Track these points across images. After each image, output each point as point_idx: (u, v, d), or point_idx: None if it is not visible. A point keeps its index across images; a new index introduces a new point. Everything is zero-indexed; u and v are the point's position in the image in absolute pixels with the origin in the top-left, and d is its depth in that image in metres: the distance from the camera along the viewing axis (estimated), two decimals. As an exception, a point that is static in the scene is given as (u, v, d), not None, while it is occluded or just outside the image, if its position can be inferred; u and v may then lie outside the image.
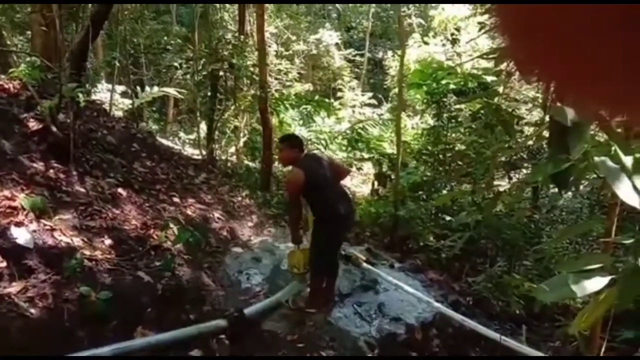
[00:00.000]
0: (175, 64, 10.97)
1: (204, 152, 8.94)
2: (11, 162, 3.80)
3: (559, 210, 6.94)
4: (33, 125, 4.28)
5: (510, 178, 7.37)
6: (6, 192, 3.38)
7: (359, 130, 9.27)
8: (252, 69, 8.52)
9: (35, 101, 4.35)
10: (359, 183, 11.28)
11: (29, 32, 8.06)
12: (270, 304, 3.97)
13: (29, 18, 6.68)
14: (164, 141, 9.19)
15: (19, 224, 3.21)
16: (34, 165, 3.96)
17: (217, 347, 3.42)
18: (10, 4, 6.50)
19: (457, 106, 7.59)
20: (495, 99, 2.62)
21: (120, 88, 10.14)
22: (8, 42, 6.91)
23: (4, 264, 2.95)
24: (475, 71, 8.04)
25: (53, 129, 4.09)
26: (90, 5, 5.86)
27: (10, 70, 5.03)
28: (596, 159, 1.19)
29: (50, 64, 4.41)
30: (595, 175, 1.85)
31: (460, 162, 7.66)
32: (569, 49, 0.24)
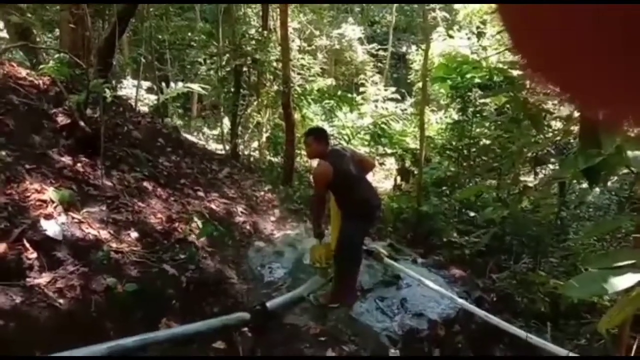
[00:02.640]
0: (199, 59, 11.08)
1: (227, 147, 9.02)
2: (41, 156, 3.89)
3: (586, 207, 6.78)
4: (62, 120, 4.38)
5: (536, 174, 7.24)
6: (36, 185, 3.46)
7: (382, 125, 9.22)
8: (275, 64, 8.55)
9: (63, 96, 4.45)
10: (381, 178, 11.23)
11: (57, 30, 8.24)
12: (293, 298, 3.98)
13: (59, 16, 6.82)
14: (188, 136, 9.30)
15: (48, 217, 3.29)
16: (63, 159, 4.05)
17: (240, 340, 3.45)
18: (39, 3, 6.63)
19: (482, 100, 7.47)
20: (523, 93, 2.57)
21: (145, 84, 10.28)
22: (38, 40, 7.06)
23: (34, 255, 3.02)
24: (501, 65, 7.89)
25: (81, 123, 4.18)
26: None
27: (40, 66, 5.15)
28: (629, 153, 1.16)
29: (78, 60, 4.50)
30: (626, 171, 1.80)
31: (485, 157, 7.55)
32: (570, 49, 0.24)
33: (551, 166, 7.25)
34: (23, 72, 4.94)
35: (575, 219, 6.31)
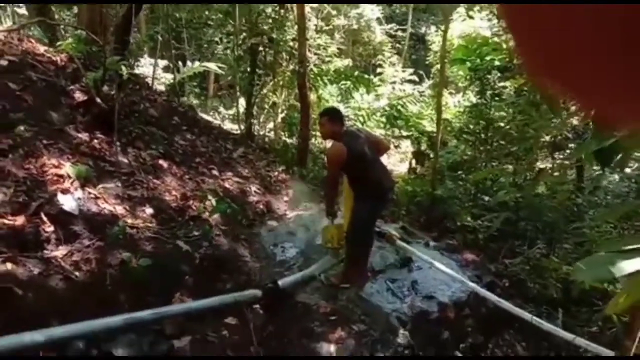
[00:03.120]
0: (216, 38, 11.04)
1: (242, 127, 9.04)
2: (58, 132, 3.94)
3: (604, 194, 6.67)
4: (78, 96, 4.42)
5: (554, 159, 7.13)
6: (53, 161, 3.52)
7: (399, 107, 9.12)
8: (291, 43, 8.48)
9: (80, 73, 4.48)
10: (396, 161, 11.17)
11: (75, 8, 8.27)
12: (304, 277, 4.02)
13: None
14: (204, 116, 9.33)
15: (65, 191, 3.34)
16: (79, 135, 4.11)
17: (251, 316, 3.51)
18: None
19: (501, 83, 7.35)
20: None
21: (162, 63, 10.31)
22: (56, 17, 7.10)
23: (52, 228, 3.09)
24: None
25: (97, 100, 4.21)
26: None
27: (58, 43, 5.18)
28: (644, 135, 1.13)
29: (95, 37, 4.52)
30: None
31: (502, 141, 7.45)
32: (571, 49, 0.23)
33: (569, 151, 7.15)
34: (41, 49, 4.98)
35: (592, 205, 6.22)
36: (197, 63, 9.60)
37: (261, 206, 5.25)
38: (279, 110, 9.76)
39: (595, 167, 6.24)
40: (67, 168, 3.50)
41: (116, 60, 4.23)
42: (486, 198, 6.63)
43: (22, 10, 7.97)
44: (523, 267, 5.05)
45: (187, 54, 12.53)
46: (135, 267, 3.22)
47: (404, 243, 4.72)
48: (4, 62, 4.15)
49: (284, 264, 4.44)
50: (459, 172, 7.85)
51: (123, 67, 4.23)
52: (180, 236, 3.77)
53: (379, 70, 14.54)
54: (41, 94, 4.19)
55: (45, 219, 3.07)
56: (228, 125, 10.36)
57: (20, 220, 2.96)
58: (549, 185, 6.19)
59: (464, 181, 7.44)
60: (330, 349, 3.33)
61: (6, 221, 2.91)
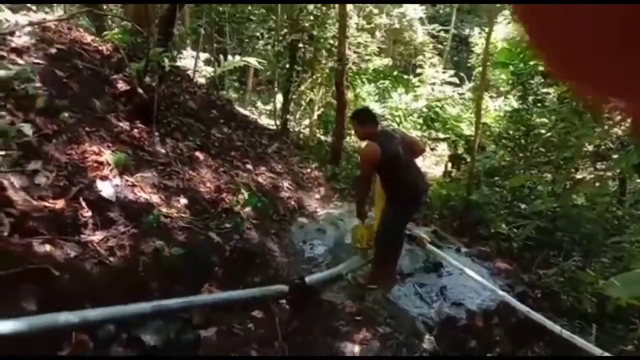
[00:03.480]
0: (257, 34, 11.14)
1: (278, 123, 9.10)
2: (100, 120, 4.06)
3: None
4: (121, 86, 4.55)
5: (596, 169, 6.88)
6: (94, 148, 3.63)
7: (437, 109, 8.99)
8: (331, 41, 8.47)
9: (124, 63, 4.61)
10: (431, 164, 11.02)
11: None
12: (331, 275, 4.02)
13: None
14: (242, 110, 9.44)
15: (103, 178, 3.44)
16: (120, 124, 4.22)
17: (277, 311, 3.53)
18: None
19: (544, 89, 7.14)
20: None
21: (203, 56, 10.47)
22: (104, 7, 7.32)
23: (89, 213, 3.18)
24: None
25: (139, 90, 4.32)
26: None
27: (105, 33, 5.34)
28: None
29: (140, 28, 4.63)
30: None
31: (542, 149, 7.24)
32: (585, 46, 0.24)
33: (611, 162, 6.88)
34: (88, 38, 5.13)
35: (634, 219, 5.98)
36: (237, 57, 9.71)
37: (292, 202, 5.28)
38: (315, 108, 9.78)
39: (639, 180, 6.00)
40: (107, 155, 3.61)
41: (159, 52, 4.32)
42: (522, 206, 6.46)
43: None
44: (557, 279, 4.90)
45: (229, 48, 12.68)
46: (167, 255, 3.29)
47: (435, 247, 4.65)
48: (53, 50, 4.30)
49: (312, 261, 4.45)
50: (496, 178, 7.67)
51: (165, 59, 4.32)
52: (212, 228, 3.83)
53: (418, 70, 14.36)
54: (86, 82, 4.32)
55: (83, 204, 3.17)
56: (264, 121, 10.45)
57: (60, 204, 3.06)
58: (588, 195, 5.98)
59: (501, 187, 7.27)
60: (355, 349, 3.32)
61: (47, 204, 3.02)
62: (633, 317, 4.10)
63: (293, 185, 5.70)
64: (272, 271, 3.98)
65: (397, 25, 17.82)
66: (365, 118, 3.91)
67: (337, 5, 8.02)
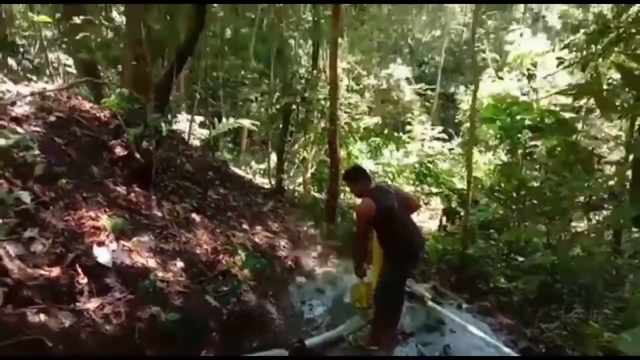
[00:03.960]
0: (251, 97, 11.46)
1: (272, 182, 9.19)
2: (97, 185, 4.09)
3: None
4: (119, 151, 4.61)
5: (589, 220, 6.92)
6: (91, 213, 3.63)
7: (428, 164, 9.14)
8: (323, 102, 8.73)
9: (122, 129, 4.70)
10: (426, 218, 11.04)
11: (118, 67, 8.78)
12: (332, 337, 3.93)
13: (121, 54, 7.28)
14: (237, 170, 9.54)
15: (100, 244, 3.42)
16: (117, 188, 4.25)
17: (277, 377, 3.43)
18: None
19: (533, 142, 7.31)
20: (574, 136, 2.50)
21: (198, 119, 10.70)
22: (102, 75, 7.55)
23: (85, 280, 3.13)
24: (552, 107, 7.73)
25: (137, 155, 4.38)
26: (178, 37, 6.30)
27: (103, 100, 5.48)
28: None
29: (138, 95, 4.77)
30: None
31: (535, 201, 7.32)
32: None
33: (605, 212, 6.94)
34: (87, 105, 5.26)
35: (632, 269, 5.95)
36: (231, 120, 9.94)
37: (290, 261, 5.24)
38: (309, 166, 9.91)
39: (634, 229, 6.03)
40: (104, 220, 3.60)
41: (157, 117, 4.42)
42: (520, 259, 6.44)
43: (71, 69, 8.53)
44: (560, 333, 4.80)
45: (223, 111, 13.00)
46: (163, 321, 3.21)
47: (436, 304, 4.59)
48: (52, 118, 4.39)
49: (311, 322, 4.36)
50: (491, 231, 7.69)
51: (162, 124, 4.41)
52: (210, 291, 3.77)
53: (408, 127, 14.73)
54: (84, 148, 4.39)
55: (80, 270, 3.13)
56: (259, 180, 10.54)
57: (55, 271, 3.02)
58: (584, 247, 5.99)
59: (496, 241, 7.27)
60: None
61: (43, 272, 2.98)
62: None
63: (289, 244, 5.68)
64: (270, 335, 3.88)
65: (384, 86, 18.45)
66: (357, 176, 3.96)
67: (328, 69, 8.32)
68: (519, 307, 5.50)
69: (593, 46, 6.28)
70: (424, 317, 4.46)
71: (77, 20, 6.01)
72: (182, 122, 10.34)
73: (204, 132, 10.50)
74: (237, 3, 10.92)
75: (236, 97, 13.96)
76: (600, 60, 6.11)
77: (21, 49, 8.94)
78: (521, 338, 4.66)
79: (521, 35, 15.40)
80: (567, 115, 6.50)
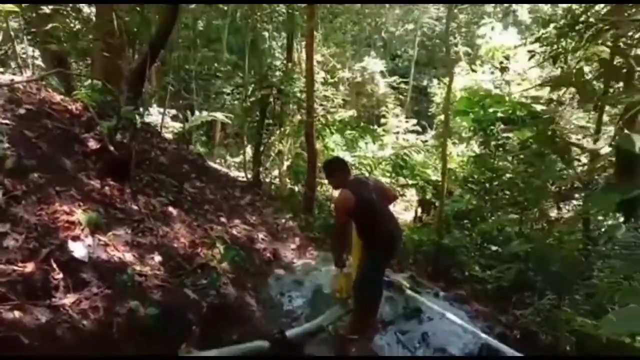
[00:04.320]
0: (225, 90, 11.33)
1: (248, 175, 9.14)
2: (71, 179, 3.99)
3: (611, 244, 6.61)
4: (92, 144, 4.51)
5: (559, 209, 7.12)
6: (65, 207, 3.54)
7: (404, 156, 9.23)
8: (298, 94, 8.71)
9: (94, 122, 4.59)
10: (401, 209, 11.17)
11: (89, 59, 8.56)
12: (312, 328, 3.94)
13: (91, 45, 7.10)
14: (211, 163, 9.44)
15: (75, 238, 3.35)
16: (91, 182, 4.15)
17: (258, 368, 3.43)
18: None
19: (505, 134, 7.46)
20: (550, 127, 2.56)
21: (170, 112, 10.53)
22: (72, 67, 7.35)
23: (61, 275, 3.06)
24: (524, 99, 7.89)
25: (110, 148, 4.29)
26: (149, 30, 6.18)
27: (74, 92, 5.34)
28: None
29: (111, 87, 4.66)
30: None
31: (508, 191, 7.48)
32: None
33: (575, 202, 7.14)
34: (57, 98, 5.11)
35: (601, 256, 6.15)
36: (205, 112, 9.82)
37: (268, 254, 5.22)
38: (285, 159, 9.89)
39: (600, 217, 6.23)
40: (79, 215, 3.52)
41: (130, 109, 4.34)
42: (493, 247, 6.59)
43: (38, 61, 8.27)
44: (534, 319, 4.94)
45: (195, 104, 12.82)
46: (142, 315, 3.17)
47: (414, 293, 4.65)
48: (22, 111, 4.26)
49: (291, 313, 4.36)
50: (465, 221, 7.83)
51: (136, 117, 4.33)
52: (188, 284, 3.73)
53: (382, 120, 14.84)
54: (56, 141, 4.27)
55: (55, 266, 3.06)
56: (234, 173, 10.46)
57: (30, 267, 2.94)
58: (556, 235, 6.16)
59: (470, 230, 7.41)
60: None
61: (16, 268, 2.90)
62: (615, 354, 4.13)
63: (268, 236, 5.66)
64: (251, 327, 3.87)
65: (359, 79, 18.51)
66: (336, 167, 3.98)
67: (302, 62, 8.30)
68: (493, 294, 5.63)
69: (563, 40, 6.43)
70: (402, 306, 4.52)
71: (45, 9, 5.81)
72: (154, 115, 10.17)
73: (176, 126, 10.34)
74: (221, 3, 10.79)
75: (209, 90, 13.79)
76: (571, 53, 6.26)
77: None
78: (496, 324, 4.78)
79: (492, 29, 15.65)
80: (539, 107, 6.65)
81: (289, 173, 9.75)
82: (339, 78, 15.27)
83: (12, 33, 6.10)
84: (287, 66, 8.97)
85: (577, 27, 5.72)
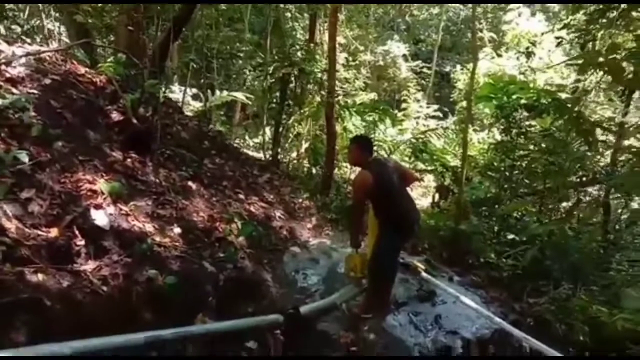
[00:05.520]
0: (246, 69, 11.31)
1: (266, 156, 9.17)
2: (94, 150, 4.07)
3: (631, 236, 6.51)
4: (115, 116, 4.57)
5: (579, 200, 7.01)
6: (88, 177, 3.61)
7: (424, 140, 9.14)
8: (319, 75, 8.67)
9: (118, 95, 4.65)
10: (418, 195, 11.11)
11: (112, 36, 8.62)
12: (325, 305, 3.98)
13: (116, 21, 7.15)
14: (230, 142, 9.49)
15: (97, 207, 3.41)
16: (114, 154, 4.22)
17: (272, 342, 3.48)
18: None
19: (527, 122, 7.33)
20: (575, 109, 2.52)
21: (190, 91, 10.58)
22: (99, 40, 7.42)
23: (83, 242, 3.13)
24: (548, 87, 7.73)
25: (133, 121, 4.35)
26: (174, 6, 6.18)
27: (98, 65, 5.39)
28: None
29: (136, 60, 4.70)
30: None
31: (527, 180, 7.38)
32: None
33: (595, 192, 7.03)
34: (82, 70, 5.18)
35: (618, 248, 6.07)
36: (225, 92, 9.84)
37: (285, 232, 5.27)
38: (303, 140, 9.89)
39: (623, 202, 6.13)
40: (101, 184, 3.59)
41: (154, 83, 4.37)
42: (510, 235, 6.52)
43: (63, 37, 8.36)
44: (548, 307, 4.91)
45: (216, 83, 12.85)
46: (160, 284, 3.24)
47: (429, 276, 4.66)
48: (48, 81, 4.33)
49: (305, 290, 4.41)
50: (483, 209, 7.76)
51: (160, 90, 4.37)
52: (206, 257, 3.79)
53: (403, 105, 14.70)
54: (80, 112, 4.34)
55: (77, 232, 3.13)
56: (252, 153, 10.51)
57: (53, 232, 3.02)
58: (574, 225, 6.09)
59: (488, 218, 7.35)
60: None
61: (40, 232, 2.98)
62: (630, 343, 4.10)
63: (285, 214, 5.70)
64: (266, 301, 3.93)
65: (381, 62, 18.31)
66: (365, 144, 3.99)
67: (324, 43, 8.24)
68: (509, 282, 5.60)
69: (593, 26, 6.27)
70: (416, 288, 4.53)
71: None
72: (175, 93, 10.24)
73: (197, 105, 10.40)
74: (243, 3, 10.75)
75: (230, 70, 13.78)
76: (600, 40, 6.12)
77: (10, 14, 8.73)
78: (510, 311, 4.77)
79: (519, 15, 15.30)
80: (564, 95, 6.53)
81: (308, 154, 9.75)
82: (361, 61, 15.12)
83: (40, 5, 6.19)
84: (309, 46, 8.90)
85: (607, 14, 5.59)
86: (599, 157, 5.70)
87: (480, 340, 3.98)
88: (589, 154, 5.52)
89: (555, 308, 4.88)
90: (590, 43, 5.53)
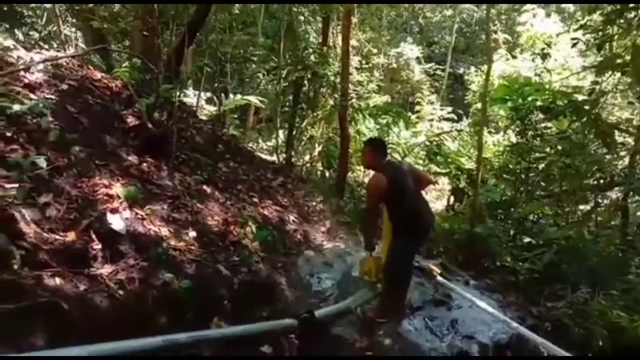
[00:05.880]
0: (259, 73, 11.36)
1: (280, 159, 9.19)
2: (110, 154, 4.11)
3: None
4: (131, 121, 4.62)
5: (597, 204, 6.90)
6: (104, 181, 3.65)
7: (439, 142, 9.10)
8: (332, 78, 8.67)
9: (133, 99, 4.69)
10: (433, 198, 11.04)
11: (127, 41, 8.73)
12: (340, 309, 3.96)
13: (130, 26, 7.23)
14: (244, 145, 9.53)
15: (114, 211, 3.44)
16: (130, 158, 4.26)
17: (286, 346, 3.48)
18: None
19: (543, 124, 7.25)
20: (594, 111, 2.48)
21: (204, 95, 10.64)
22: (114, 45, 7.52)
23: (99, 246, 3.16)
24: (564, 89, 7.64)
25: (149, 125, 4.39)
26: (188, 11, 6.24)
27: (114, 70, 5.46)
28: None
29: (151, 65, 4.75)
30: None
31: (544, 183, 7.29)
32: None
33: (614, 196, 6.91)
34: (98, 75, 5.25)
35: (638, 252, 5.95)
36: (239, 96, 9.89)
37: (299, 235, 5.27)
38: (316, 144, 9.90)
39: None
40: (117, 188, 3.62)
41: (168, 88, 4.41)
42: (526, 239, 6.44)
43: (79, 43, 8.50)
44: (566, 312, 4.83)
45: (229, 87, 12.91)
46: (176, 288, 3.25)
47: (444, 280, 4.61)
48: (65, 86, 4.39)
49: (319, 294, 4.40)
50: (499, 212, 7.68)
51: (174, 95, 4.40)
52: (221, 260, 3.80)
53: (417, 107, 14.64)
54: (96, 117, 4.39)
55: (94, 236, 3.16)
56: (266, 157, 10.55)
57: (70, 236, 3.05)
58: (591, 228, 5.99)
59: (504, 220, 7.27)
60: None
61: (57, 237, 3.00)
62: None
63: (299, 218, 5.71)
64: (280, 305, 3.93)
65: (394, 65, 18.26)
66: (379, 147, 3.97)
67: (338, 46, 8.24)
68: (525, 286, 5.53)
69: (609, 27, 6.17)
70: (431, 292, 4.50)
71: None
72: (189, 98, 10.31)
73: (211, 109, 10.46)
74: (249, 3, 10.81)
75: (243, 74, 13.85)
76: (617, 41, 6.01)
77: (28, 20, 8.90)
78: (527, 316, 4.70)
79: (534, 16, 15.14)
80: (580, 97, 6.44)
81: (321, 157, 9.75)
82: (374, 63, 15.09)
83: (57, 11, 6.29)
84: (322, 49, 8.92)
85: (625, 14, 5.49)
86: (617, 159, 5.59)
87: (497, 345, 3.92)
88: (607, 156, 5.44)
89: (573, 312, 4.80)
90: (607, 44, 5.43)
